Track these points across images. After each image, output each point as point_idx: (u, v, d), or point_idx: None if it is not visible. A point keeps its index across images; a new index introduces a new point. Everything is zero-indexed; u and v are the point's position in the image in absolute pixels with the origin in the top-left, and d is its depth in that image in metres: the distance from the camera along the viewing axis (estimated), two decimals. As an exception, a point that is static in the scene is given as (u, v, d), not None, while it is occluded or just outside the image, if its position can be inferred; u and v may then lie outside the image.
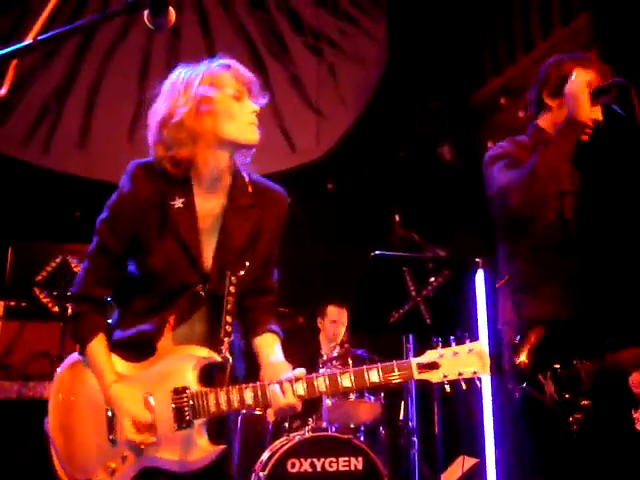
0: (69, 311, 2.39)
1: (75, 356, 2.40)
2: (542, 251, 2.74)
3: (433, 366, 2.08)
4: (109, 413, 2.27)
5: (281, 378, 2.18)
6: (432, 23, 6.78)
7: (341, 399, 4.74)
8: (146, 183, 2.27)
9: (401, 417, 5.07)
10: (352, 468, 4.36)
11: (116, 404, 2.25)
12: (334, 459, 4.37)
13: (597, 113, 2.66)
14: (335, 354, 4.94)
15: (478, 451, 4.83)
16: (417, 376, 2.08)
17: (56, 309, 4.56)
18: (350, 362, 4.82)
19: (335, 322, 5.68)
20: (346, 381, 2.13)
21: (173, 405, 2.23)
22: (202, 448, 2.22)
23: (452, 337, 2.12)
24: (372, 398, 4.80)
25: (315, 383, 2.15)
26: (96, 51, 7.10)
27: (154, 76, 7.39)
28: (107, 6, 7.01)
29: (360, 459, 4.38)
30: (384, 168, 6.86)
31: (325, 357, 4.95)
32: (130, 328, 2.33)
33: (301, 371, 2.18)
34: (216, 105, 2.24)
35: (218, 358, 2.27)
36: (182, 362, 2.26)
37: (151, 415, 2.23)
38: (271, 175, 7.65)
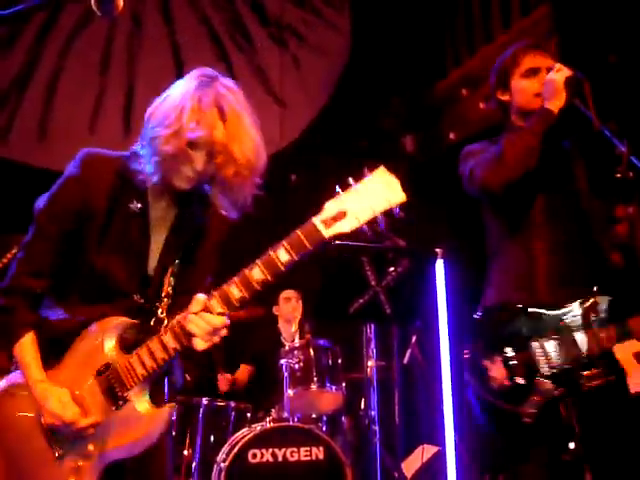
0: None
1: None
2: (508, 238, 2.81)
3: (340, 216, 1.86)
4: (47, 431, 2.10)
5: (189, 308, 2.02)
6: (395, 15, 6.79)
7: (303, 389, 4.75)
8: (97, 172, 2.16)
9: (362, 406, 5.09)
10: (313, 458, 4.38)
11: (41, 403, 2.08)
12: (295, 449, 4.39)
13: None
14: (297, 344, 4.95)
15: (438, 439, 4.87)
16: (327, 233, 1.87)
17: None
18: (312, 352, 4.84)
19: (288, 299, 5.72)
20: (257, 273, 1.93)
21: (100, 388, 2.10)
22: (150, 416, 2.09)
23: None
24: (334, 388, 4.82)
25: (228, 290, 1.96)
26: (56, 39, 6.99)
27: (115, 65, 7.33)
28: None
29: (321, 449, 4.40)
30: (347, 159, 6.86)
31: (287, 347, 4.96)
32: (56, 324, 2.18)
33: (199, 295, 2.02)
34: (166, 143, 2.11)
35: (132, 320, 2.14)
36: (95, 340, 2.12)
37: (79, 410, 2.08)
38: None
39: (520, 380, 2.55)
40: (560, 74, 2.70)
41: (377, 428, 4.66)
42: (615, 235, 2.78)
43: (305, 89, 7.28)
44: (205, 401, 4.96)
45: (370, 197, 1.84)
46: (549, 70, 2.78)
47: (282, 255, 1.91)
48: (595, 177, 2.83)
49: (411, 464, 5.06)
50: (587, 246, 2.75)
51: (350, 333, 5.04)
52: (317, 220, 1.89)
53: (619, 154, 2.58)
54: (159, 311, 2.19)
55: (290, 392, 4.72)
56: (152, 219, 2.22)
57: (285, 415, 4.67)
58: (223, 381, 5.56)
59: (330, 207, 1.88)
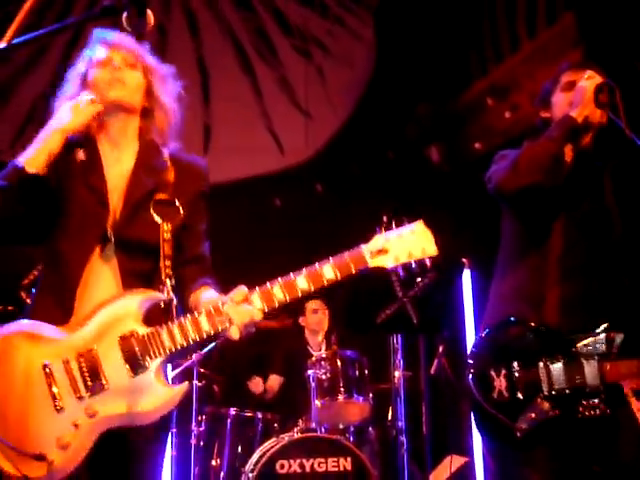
0: None
1: None
2: (521, 252, 2.79)
3: (383, 252, 2.06)
4: (50, 379, 2.08)
5: (229, 296, 2.10)
6: (419, 25, 6.79)
7: (330, 400, 4.75)
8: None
9: (390, 417, 5.08)
10: (341, 468, 4.37)
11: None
12: (323, 460, 4.38)
13: (598, 115, 2.69)
14: (324, 355, 4.95)
15: (467, 450, 4.85)
16: (371, 263, 2.05)
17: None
18: (339, 363, 4.83)
19: (316, 310, 5.71)
20: (302, 282, 2.05)
21: (122, 352, 2.09)
22: (165, 391, 2.09)
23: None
24: (361, 398, 4.81)
25: (271, 290, 2.06)
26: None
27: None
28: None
29: (349, 459, 4.39)
30: (373, 169, 6.87)
31: (314, 358, 4.96)
32: (48, 288, 2.23)
33: (242, 287, 2.10)
34: (88, 78, 2.34)
35: (162, 296, 2.16)
36: (122, 308, 2.13)
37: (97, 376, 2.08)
38: (260, 176, 7.63)
39: (520, 395, 2.55)
40: (590, 82, 2.67)
41: (404, 439, 4.64)
42: None
43: (330, 100, 7.31)
44: (233, 411, 4.98)
45: (409, 244, 2.07)
46: None
47: (327, 272, 2.04)
48: (626, 187, 2.79)
49: (439, 475, 5.03)
50: (604, 272, 2.72)
51: (377, 344, 5.03)
52: (365, 249, 2.05)
53: None
54: (165, 291, 2.17)
55: (317, 403, 4.72)
56: (107, 168, 2.30)
57: (312, 426, 4.67)
58: (255, 384, 5.58)
59: (377, 241, 2.07)
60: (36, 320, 2.18)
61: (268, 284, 2.05)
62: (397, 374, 4.73)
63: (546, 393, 2.54)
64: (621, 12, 4.99)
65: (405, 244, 2.06)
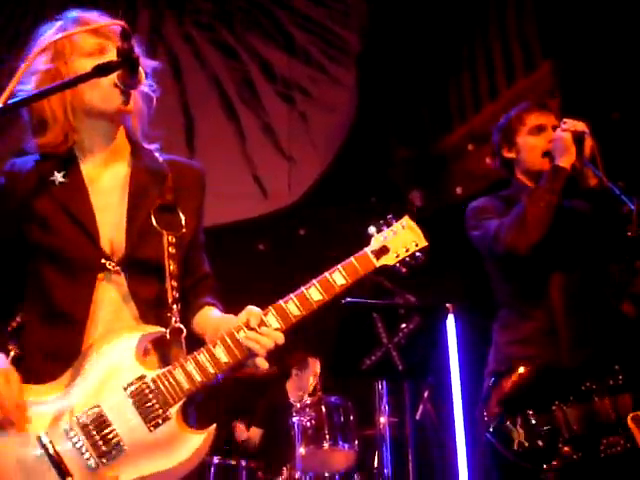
0: None
1: None
2: (520, 297, 2.82)
3: (384, 250, 2.03)
4: (51, 454, 1.77)
5: (241, 319, 1.91)
6: (401, 71, 6.92)
7: (315, 447, 4.71)
8: (18, 172, 1.97)
9: (376, 464, 5.03)
10: (327, 518, 4.32)
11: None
12: (308, 509, 4.33)
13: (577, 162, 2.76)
14: (308, 402, 4.91)
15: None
16: (378, 263, 2.01)
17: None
18: (324, 409, 4.80)
19: (316, 375, 5.66)
20: (315, 293, 1.93)
21: (134, 404, 1.81)
22: (192, 439, 1.84)
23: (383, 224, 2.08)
24: (346, 446, 4.77)
25: (286, 307, 1.91)
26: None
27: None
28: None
29: (335, 508, 4.34)
30: (356, 214, 6.92)
31: (298, 405, 4.93)
32: (43, 338, 1.91)
33: (253, 309, 1.92)
34: (70, 73, 1.89)
35: (160, 329, 1.91)
36: (120, 351, 1.85)
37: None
38: (243, 221, 7.62)
39: (540, 442, 2.53)
40: (567, 132, 2.75)
41: (391, 486, 4.59)
42: (634, 286, 2.78)
43: (313, 144, 7.38)
44: (216, 460, 4.91)
45: (403, 239, 2.06)
46: (554, 128, 2.84)
47: (338, 278, 1.97)
48: (605, 235, 2.85)
49: (426, 523, 4.97)
50: (600, 306, 2.76)
51: (362, 390, 5.01)
52: (369, 250, 2.02)
53: (628, 212, 2.62)
54: (172, 320, 1.92)
55: (302, 450, 4.67)
56: (94, 188, 1.98)
57: (297, 474, 4.62)
58: (240, 430, 5.51)
59: (376, 241, 2.04)
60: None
61: (281, 301, 1.93)
62: (382, 420, 4.70)
63: (566, 437, 2.53)
64: (597, 61, 5.12)
65: (400, 240, 2.04)
